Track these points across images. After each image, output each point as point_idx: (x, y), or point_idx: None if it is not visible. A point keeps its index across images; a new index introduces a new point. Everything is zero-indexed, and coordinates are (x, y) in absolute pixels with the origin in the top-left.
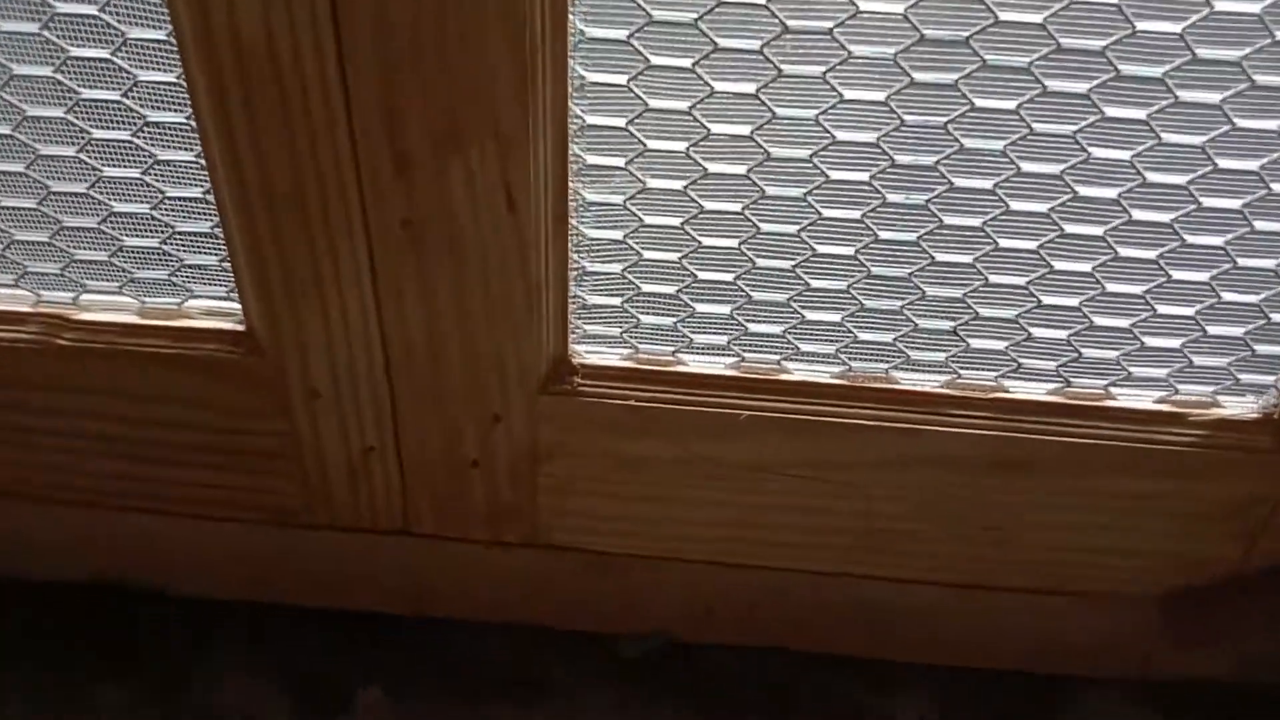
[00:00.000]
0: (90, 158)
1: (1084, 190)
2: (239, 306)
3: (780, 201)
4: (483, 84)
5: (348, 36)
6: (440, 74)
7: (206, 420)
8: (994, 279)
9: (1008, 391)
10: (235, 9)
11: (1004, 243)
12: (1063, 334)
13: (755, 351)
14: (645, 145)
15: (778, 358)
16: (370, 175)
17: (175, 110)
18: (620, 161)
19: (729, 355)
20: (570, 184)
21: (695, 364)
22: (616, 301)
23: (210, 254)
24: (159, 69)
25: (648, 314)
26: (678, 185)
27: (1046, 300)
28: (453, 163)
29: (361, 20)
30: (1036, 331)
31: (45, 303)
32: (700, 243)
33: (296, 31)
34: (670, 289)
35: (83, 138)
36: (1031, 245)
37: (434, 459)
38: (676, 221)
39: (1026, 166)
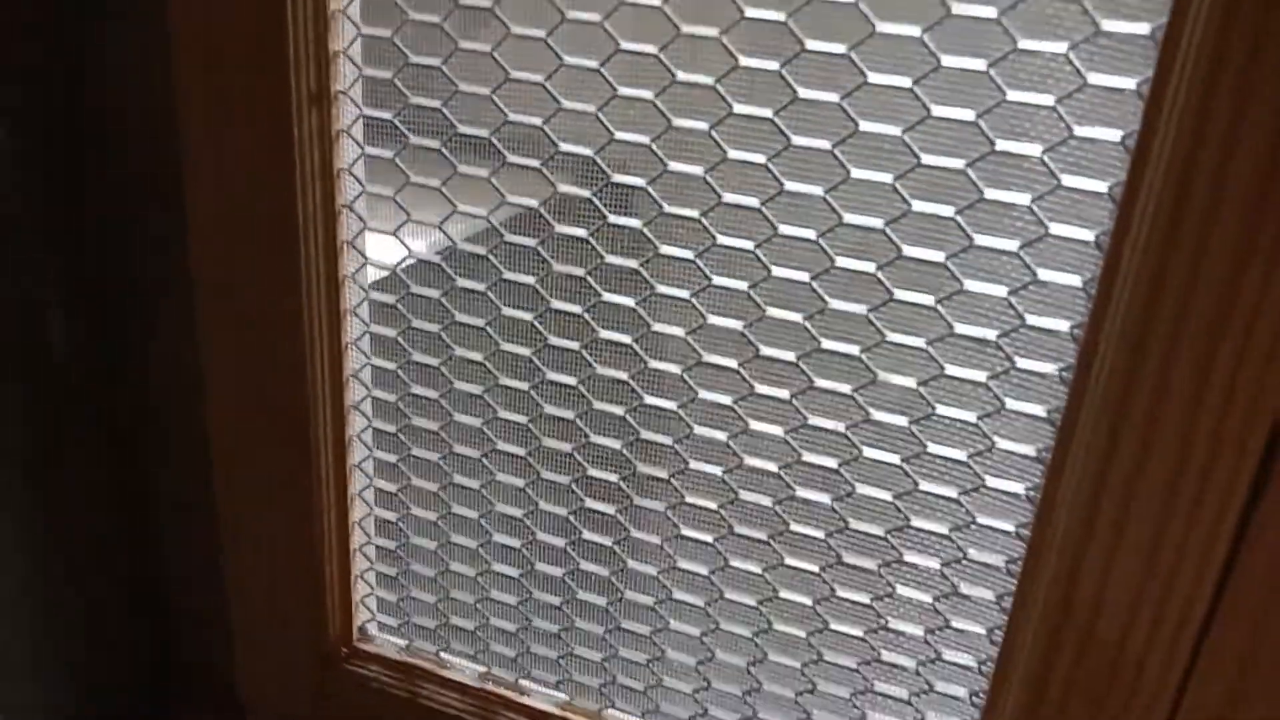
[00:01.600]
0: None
1: None
2: None
3: None
4: None
5: (1205, 656)
6: None
7: None
8: None
9: None
10: (1101, 612)
11: None
12: None
13: None
14: None
15: None
16: None
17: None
18: None
19: None
20: None
21: None
22: None
23: None
24: (971, 620)
25: None
26: None
27: None
28: None
29: (1226, 655)
30: None
31: None
32: None
33: (1154, 641)
34: None
35: (864, 678)
36: None
37: None
38: None
39: None
